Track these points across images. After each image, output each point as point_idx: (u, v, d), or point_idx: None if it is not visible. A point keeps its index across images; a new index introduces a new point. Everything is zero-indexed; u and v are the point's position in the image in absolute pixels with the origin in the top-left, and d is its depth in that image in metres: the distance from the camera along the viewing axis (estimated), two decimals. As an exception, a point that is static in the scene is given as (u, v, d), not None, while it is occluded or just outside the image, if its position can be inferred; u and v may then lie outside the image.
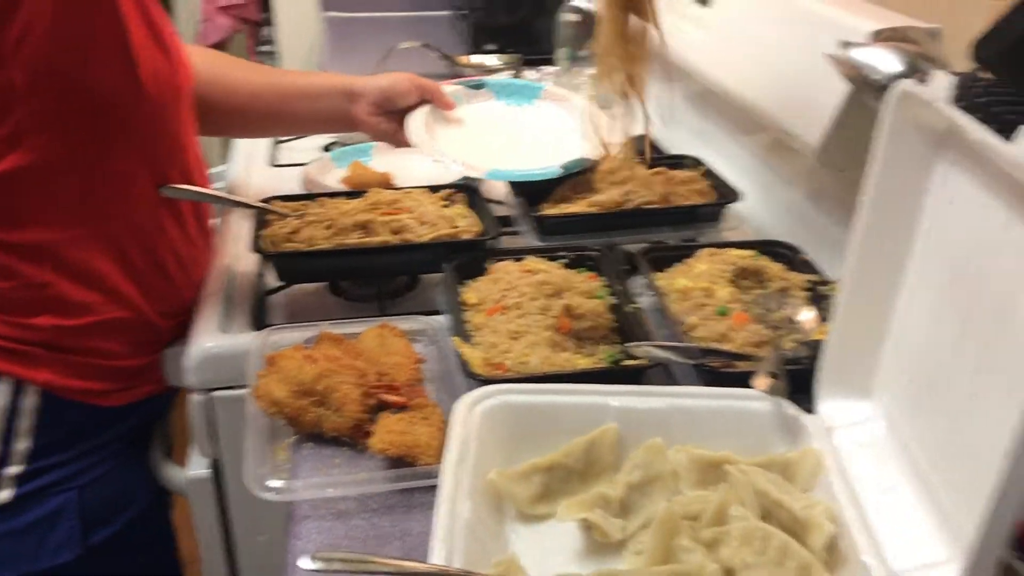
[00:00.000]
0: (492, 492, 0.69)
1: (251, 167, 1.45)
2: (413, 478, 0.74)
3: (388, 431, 0.77)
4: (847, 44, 0.83)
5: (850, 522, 0.62)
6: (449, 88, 1.21)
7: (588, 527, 0.67)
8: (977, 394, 0.57)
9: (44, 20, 0.79)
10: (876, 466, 0.65)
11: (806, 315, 0.88)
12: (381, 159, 1.37)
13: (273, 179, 1.39)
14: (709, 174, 1.16)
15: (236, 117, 1.19)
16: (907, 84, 0.61)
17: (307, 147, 1.52)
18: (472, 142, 1.16)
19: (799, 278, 0.95)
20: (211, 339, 0.96)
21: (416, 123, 1.14)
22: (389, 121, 1.17)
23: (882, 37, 0.85)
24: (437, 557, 0.58)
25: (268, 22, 2.86)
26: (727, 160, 1.32)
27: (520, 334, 0.86)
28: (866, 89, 0.82)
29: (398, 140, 1.18)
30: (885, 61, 0.80)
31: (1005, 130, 0.53)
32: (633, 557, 0.65)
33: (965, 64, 0.69)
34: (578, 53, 1.34)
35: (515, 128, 1.23)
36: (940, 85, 0.59)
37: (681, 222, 1.09)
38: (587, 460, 0.71)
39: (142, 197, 0.95)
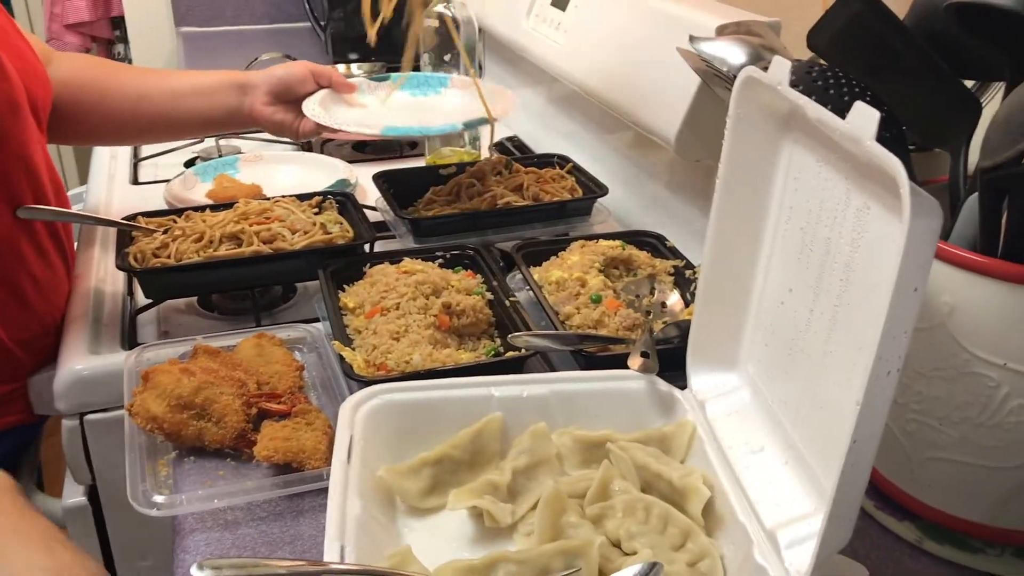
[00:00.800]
0: (382, 489, 0.69)
1: (112, 186, 1.40)
2: (301, 483, 0.74)
3: (272, 438, 0.76)
4: (695, 39, 0.88)
5: (725, 486, 0.66)
6: (352, 79, 1.20)
7: (479, 514, 0.68)
8: (831, 353, 0.61)
9: None
10: (745, 431, 0.69)
11: (673, 298, 0.92)
12: (248, 171, 1.35)
13: (136, 198, 1.35)
14: (577, 171, 1.19)
15: (123, 120, 1.14)
16: (751, 70, 0.65)
17: (169, 163, 1.48)
18: (372, 120, 1.14)
19: (665, 264, 0.99)
20: (81, 361, 0.92)
21: (312, 101, 1.13)
22: (286, 111, 1.15)
23: (727, 31, 0.90)
24: (330, 554, 0.59)
25: (121, 39, 2.77)
26: (593, 158, 1.36)
27: (401, 334, 0.86)
28: (715, 80, 0.86)
29: (294, 130, 1.16)
30: (731, 53, 0.84)
31: (840, 109, 0.57)
32: (523, 539, 0.67)
33: (804, 53, 0.74)
34: (442, 58, 1.36)
35: (418, 109, 1.21)
36: (780, 70, 0.63)
37: (552, 218, 1.12)
38: (474, 450, 0.72)
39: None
